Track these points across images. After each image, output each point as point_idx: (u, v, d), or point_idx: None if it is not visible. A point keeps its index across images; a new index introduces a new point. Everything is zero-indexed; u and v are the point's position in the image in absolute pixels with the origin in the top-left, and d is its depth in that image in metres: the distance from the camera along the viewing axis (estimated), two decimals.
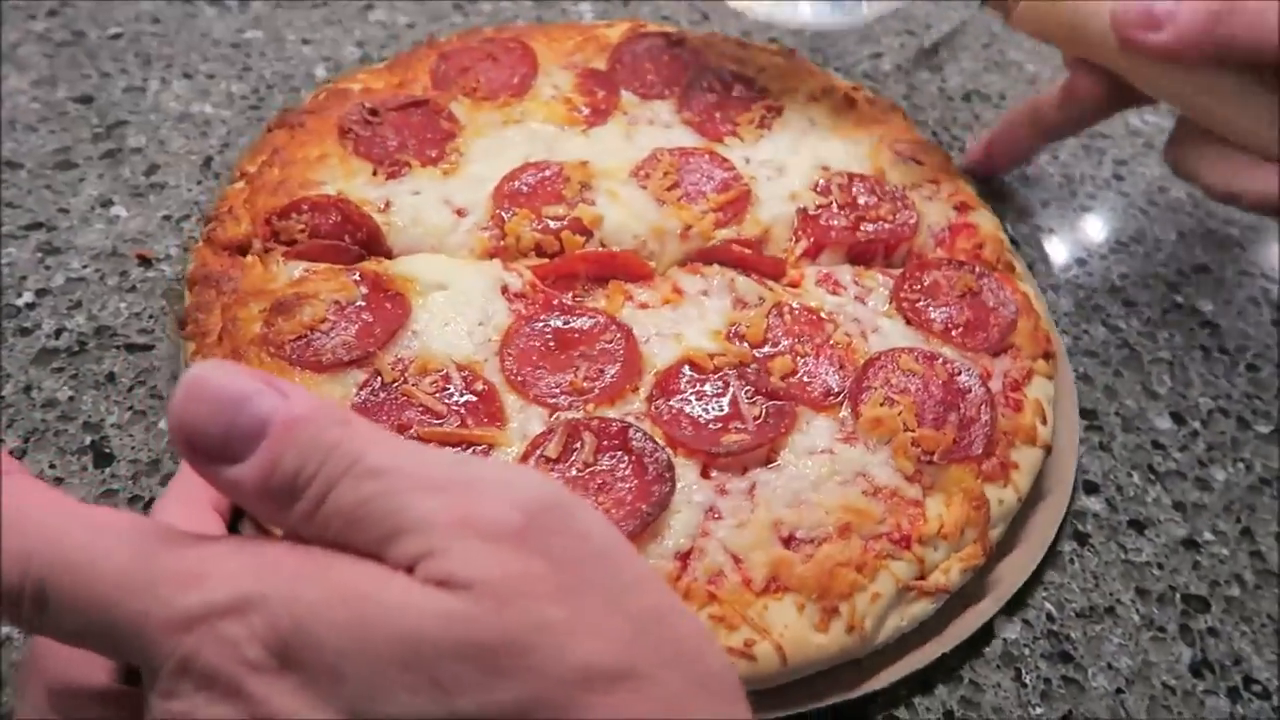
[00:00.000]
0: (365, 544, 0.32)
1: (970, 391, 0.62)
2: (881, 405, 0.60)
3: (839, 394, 0.61)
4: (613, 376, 0.60)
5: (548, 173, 0.70)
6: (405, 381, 0.58)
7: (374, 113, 0.72)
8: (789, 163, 0.75)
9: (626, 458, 0.55)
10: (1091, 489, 0.66)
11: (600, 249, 0.68)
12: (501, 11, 0.96)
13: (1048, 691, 0.55)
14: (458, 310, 0.62)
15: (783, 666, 0.51)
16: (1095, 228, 0.85)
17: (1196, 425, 0.70)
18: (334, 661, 0.31)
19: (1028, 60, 1.01)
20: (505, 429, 0.57)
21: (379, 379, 0.58)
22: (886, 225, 0.72)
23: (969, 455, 0.59)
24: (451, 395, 0.58)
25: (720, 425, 0.59)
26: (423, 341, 0.60)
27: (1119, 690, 0.55)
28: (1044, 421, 0.63)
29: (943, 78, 0.98)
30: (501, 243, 0.67)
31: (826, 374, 0.62)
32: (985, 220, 0.76)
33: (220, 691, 0.31)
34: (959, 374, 0.63)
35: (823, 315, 0.66)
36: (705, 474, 0.57)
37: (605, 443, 0.56)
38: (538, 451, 0.55)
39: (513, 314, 0.63)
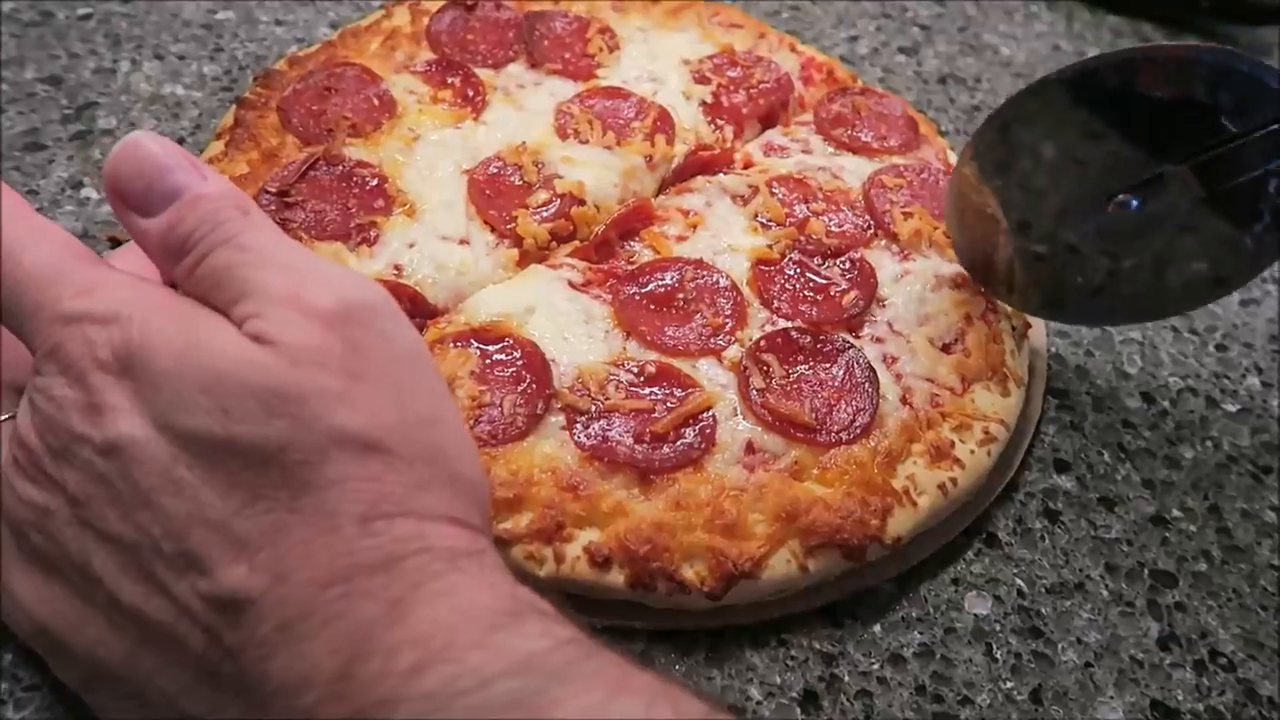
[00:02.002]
0: (219, 302, 0.41)
1: (939, 178, 0.74)
2: (904, 220, 0.70)
3: (869, 227, 0.70)
4: (731, 303, 0.63)
5: (493, 169, 0.69)
6: (599, 402, 0.57)
7: (284, 193, 0.65)
8: (656, 70, 0.80)
9: (810, 358, 0.62)
10: (1063, 467, 0.67)
11: (595, 209, 0.69)
12: None
13: (1018, 666, 0.56)
14: (561, 322, 0.61)
15: (1009, 432, 0.63)
16: None
17: (1166, 404, 0.71)
18: (158, 376, 0.38)
19: (1002, 43, 1.02)
20: (702, 389, 0.58)
21: (578, 414, 0.57)
22: (769, 85, 0.80)
23: None
24: (637, 388, 0.58)
25: (836, 294, 0.65)
26: (568, 360, 0.59)
27: (1088, 664, 0.57)
28: None
29: (918, 61, 0.98)
30: (523, 247, 0.66)
31: (845, 217, 0.71)
32: (813, 51, 0.87)
33: (72, 377, 0.39)
34: (922, 171, 0.74)
35: (797, 176, 0.73)
36: (857, 335, 0.64)
37: (788, 356, 0.61)
38: (752, 392, 0.58)
39: (600, 301, 0.63)
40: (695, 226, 0.69)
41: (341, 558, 0.37)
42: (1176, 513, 0.65)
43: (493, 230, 0.66)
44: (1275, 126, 0.54)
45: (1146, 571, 0.62)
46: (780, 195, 0.71)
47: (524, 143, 0.71)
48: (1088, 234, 0.61)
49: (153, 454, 0.38)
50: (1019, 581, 0.60)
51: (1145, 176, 0.58)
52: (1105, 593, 0.60)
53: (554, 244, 0.67)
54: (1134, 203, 0.59)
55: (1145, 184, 0.59)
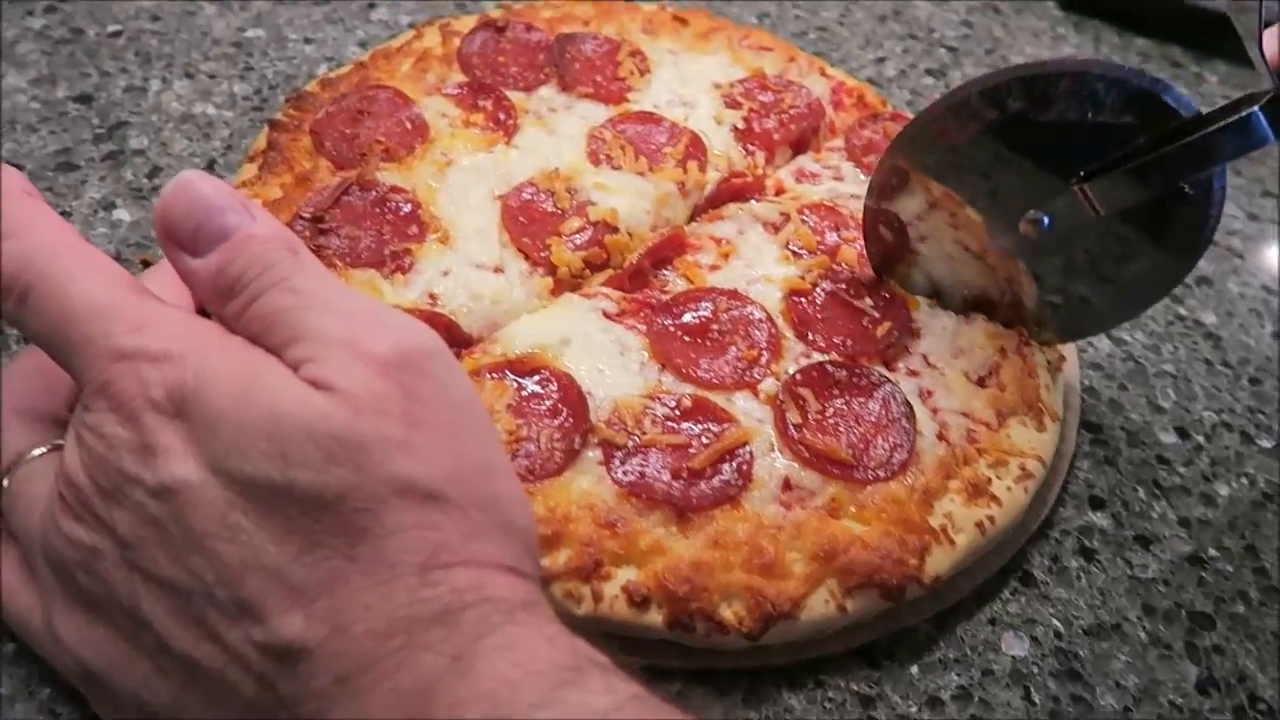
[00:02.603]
0: (272, 344, 0.40)
1: None
2: None
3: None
4: (766, 335, 0.63)
5: (526, 195, 0.69)
6: (635, 436, 0.56)
7: (318, 219, 0.64)
8: (687, 94, 0.79)
9: (846, 392, 0.61)
10: (1098, 504, 0.66)
11: (628, 237, 0.68)
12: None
13: (1056, 710, 0.55)
14: (596, 355, 0.60)
15: (1046, 469, 0.62)
16: None
17: (1200, 439, 0.71)
18: (214, 418, 0.38)
19: None
20: (738, 424, 0.58)
21: (615, 449, 0.56)
22: (800, 110, 0.79)
23: None
24: (674, 422, 0.58)
25: (869, 324, 0.65)
26: (604, 393, 0.58)
27: (1126, 709, 0.56)
28: None
29: (946, 83, 0.98)
30: (556, 276, 0.66)
31: None
32: (843, 75, 0.86)
33: (123, 415, 0.39)
34: None
35: (828, 204, 0.72)
36: (892, 368, 0.63)
37: (824, 390, 0.60)
38: (789, 428, 0.58)
39: (635, 332, 0.62)
40: (728, 255, 0.68)
41: (401, 608, 0.37)
42: (1213, 552, 0.64)
43: (526, 258, 0.66)
44: (1168, 148, 0.54)
45: (1184, 613, 0.61)
46: (812, 223, 0.71)
47: (557, 169, 0.71)
48: (1009, 250, 0.62)
49: (207, 498, 0.37)
50: (1056, 622, 0.59)
51: (1051, 194, 0.58)
52: (1143, 634, 0.59)
53: (588, 272, 0.67)
54: (1045, 220, 0.60)
55: (1052, 201, 0.59)
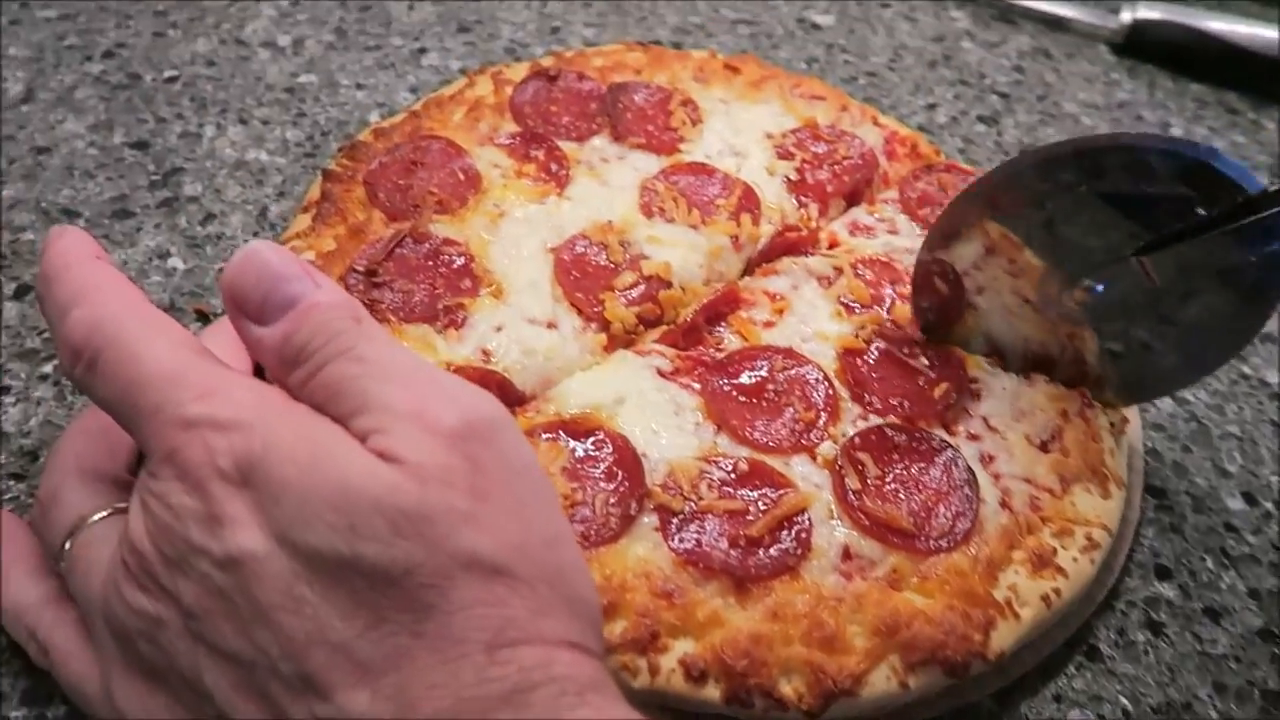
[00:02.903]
0: (338, 413, 0.40)
1: None
2: None
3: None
4: (824, 396, 0.62)
5: (579, 249, 0.68)
6: (691, 501, 0.55)
7: (372, 273, 0.64)
8: (739, 144, 0.78)
9: (905, 457, 0.59)
10: (1164, 574, 0.64)
11: (681, 291, 0.68)
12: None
13: None
14: (651, 415, 0.59)
15: (1112, 538, 0.60)
16: None
17: (1269, 506, 0.68)
18: (281, 489, 0.37)
19: (1083, 113, 0.99)
20: (797, 489, 0.57)
21: (671, 514, 0.55)
22: (855, 161, 0.78)
23: None
24: (730, 487, 0.56)
25: (925, 384, 0.63)
26: (659, 455, 0.57)
27: None
28: None
29: (999, 131, 0.97)
30: (610, 331, 0.65)
31: None
32: (896, 124, 0.85)
33: (190, 484, 0.38)
34: None
35: (883, 259, 0.71)
36: (951, 431, 0.61)
37: (883, 455, 0.59)
38: (848, 494, 0.57)
39: (689, 391, 0.61)
40: (781, 311, 0.67)
41: (468, 688, 0.36)
42: None
43: (580, 313, 0.65)
44: (1231, 225, 0.53)
45: (1257, 693, 0.58)
46: (867, 277, 0.69)
47: (610, 221, 0.70)
48: (1064, 314, 0.61)
49: (273, 570, 0.37)
50: (1123, 700, 0.57)
51: (1105, 264, 0.57)
52: (1214, 715, 0.57)
53: (641, 328, 0.66)
54: (1098, 288, 0.59)
55: (1106, 270, 0.58)
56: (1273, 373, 0.77)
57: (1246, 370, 0.77)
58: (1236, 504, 0.68)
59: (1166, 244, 0.55)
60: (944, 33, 1.07)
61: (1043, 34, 1.09)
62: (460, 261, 0.66)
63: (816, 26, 1.05)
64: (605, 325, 0.65)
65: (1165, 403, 0.74)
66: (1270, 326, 0.81)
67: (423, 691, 0.36)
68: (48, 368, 0.65)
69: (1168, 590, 0.63)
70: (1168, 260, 0.56)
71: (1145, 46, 1.06)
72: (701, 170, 0.75)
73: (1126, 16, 1.06)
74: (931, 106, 0.98)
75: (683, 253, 0.69)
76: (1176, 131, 0.99)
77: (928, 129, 0.95)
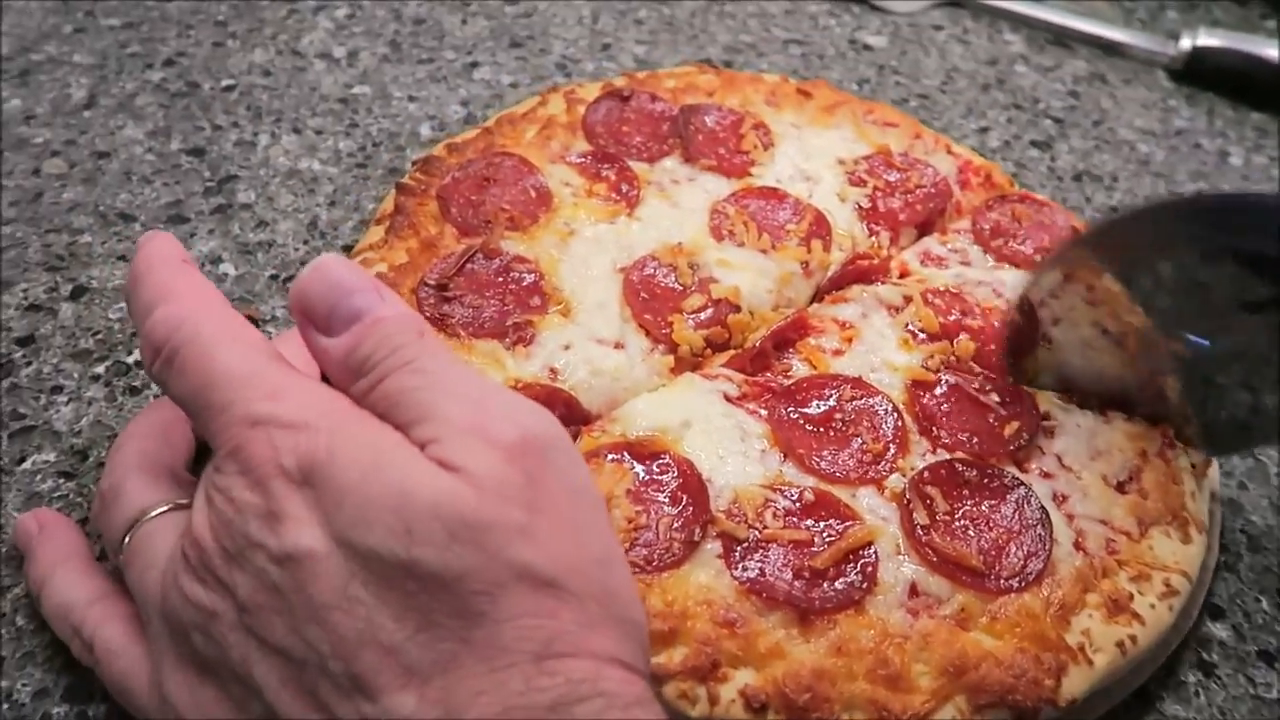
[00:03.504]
0: (398, 422, 0.41)
1: None
2: None
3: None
4: (893, 428, 0.61)
5: (648, 270, 0.68)
6: (755, 530, 0.55)
7: (443, 287, 0.64)
8: (810, 169, 0.77)
9: (976, 494, 0.58)
10: (1217, 614, 0.62)
11: (750, 316, 0.67)
12: (604, 71, 0.96)
13: None
14: (717, 440, 0.59)
15: (1192, 585, 0.58)
16: None
17: None
18: (342, 490, 0.38)
19: (1140, 140, 0.98)
20: (863, 522, 0.56)
21: (735, 542, 0.54)
22: (928, 190, 0.77)
23: None
24: (795, 516, 0.56)
25: (994, 423, 0.62)
26: (724, 481, 0.57)
27: None
28: None
29: (1052, 156, 0.96)
30: (677, 354, 0.65)
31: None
32: (969, 153, 0.83)
33: (252, 480, 0.39)
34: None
35: (954, 290, 0.70)
36: (1024, 468, 0.60)
37: (953, 490, 0.58)
38: (916, 529, 0.56)
39: (756, 418, 0.61)
40: (850, 340, 0.66)
41: (515, 697, 0.36)
42: None
43: (647, 334, 0.65)
44: None
45: None
46: (938, 306, 0.68)
47: (679, 243, 0.70)
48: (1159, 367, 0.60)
49: (329, 569, 0.37)
50: None
51: (1215, 319, 0.56)
52: None
53: (708, 351, 0.65)
54: (1205, 343, 0.57)
55: (1215, 325, 0.57)
56: None
57: None
58: None
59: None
60: (997, 56, 1.06)
61: (1099, 59, 1.07)
62: (530, 279, 0.66)
63: (868, 47, 1.05)
64: (673, 347, 0.65)
65: None
66: None
67: (469, 698, 0.36)
68: (100, 369, 0.66)
69: (1220, 631, 0.61)
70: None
71: (1205, 74, 1.04)
72: (772, 195, 0.75)
73: (1186, 43, 1.04)
74: (984, 130, 0.97)
75: (752, 277, 0.69)
76: (1235, 161, 0.98)
77: (980, 151, 0.94)
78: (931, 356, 0.65)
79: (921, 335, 0.67)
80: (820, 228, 0.73)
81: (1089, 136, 0.98)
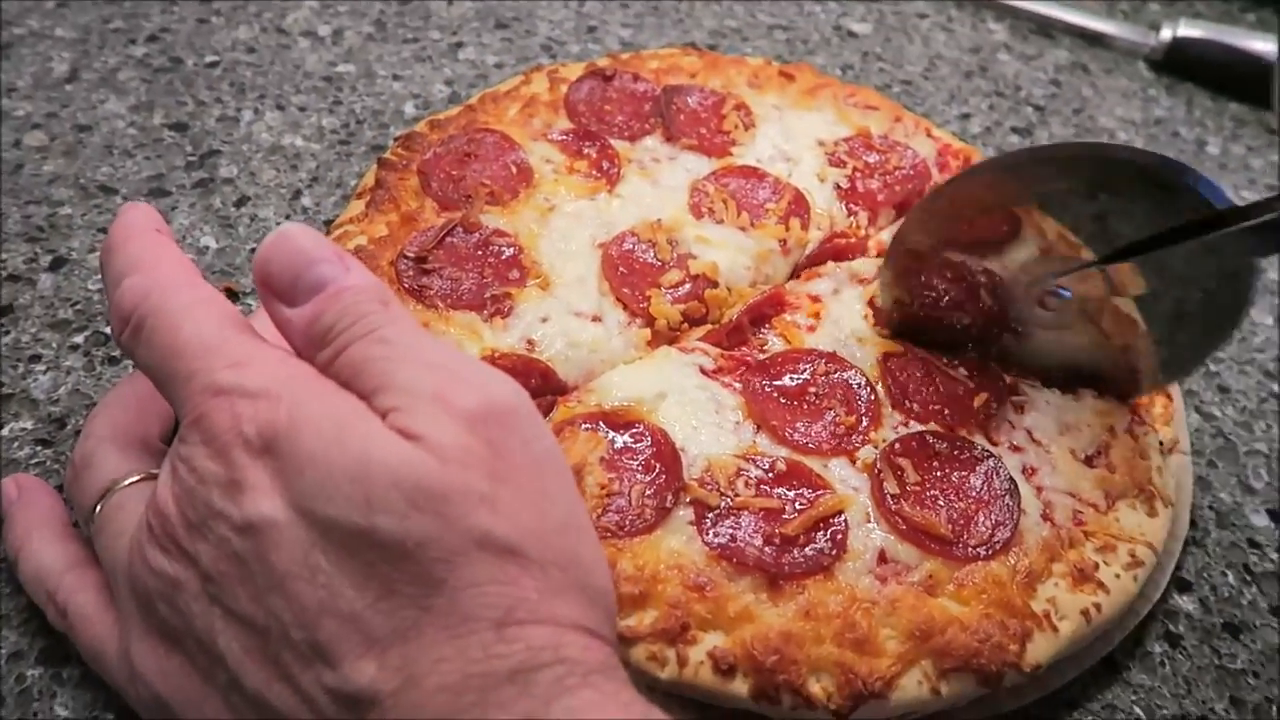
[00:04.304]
0: (360, 391, 0.41)
1: None
2: None
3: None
4: (867, 401, 0.62)
5: (627, 245, 0.69)
6: (728, 497, 0.56)
7: (422, 259, 0.65)
8: (790, 150, 0.78)
9: (946, 465, 0.60)
10: (1184, 587, 0.63)
11: (728, 292, 0.68)
12: (590, 53, 0.97)
13: None
14: (691, 411, 0.60)
15: (1157, 557, 0.59)
16: None
17: None
18: (303, 459, 0.38)
19: (1119, 128, 0.99)
20: (834, 491, 0.57)
21: (707, 509, 0.55)
22: (907, 172, 0.78)
23: None
24: (767, 485, 0.57)
25: (964, 394, 0.63)
26: (697, 450, 0.58)
27: None
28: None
29: (1032, 142, 0.97)
30: (654, 327, 0.66)
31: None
32: (949, 137, 0.84)
33: (214, 449, 0.39)
34: None
35: None
36: (994, 441, 0.61)
37: (924, 461, 0.59)
38: (886, 498, 0.57)
39: (730, 390, 0.62)
40: (818, 314, 0.67)
41: (475, 664, 0.37)
42: None
43: (625, 308, 0.66)
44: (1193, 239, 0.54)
45: (1275, 708, 0.57)
46: None
47: (659, 220, 0.70)
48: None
49: (289, 537, 0.38)
50: (1138, 710, 0.57)
51: (1075, 269, 0.59)
52: None
53: (685, 326, 0.66)
54: (1065, 293, 0.60)
55: (1073, 276, 0.59)
56: None
57: (1275, 388, 0.78)
58: (1261, 520, 0.68)
59: (1132, 253, 0.56)
60: (980, 44, 1.08)
61: (1081, 49, 1.08)
62: (509, 252, 0.67)
63: (853, 34, 1.06)
64: (650, 321, 0.66)
65: (1192, 416, 0.74)
66: None
67: (429, 665, 0.37)
68: (78, 338, 0.66)
69: (1187, 604, 0.63)
70: (1130, 274, 0.57)
71: (1185, 64, 1.05)
72: (752, 174, 0.76)
73: (1167, 34, 1.05)
74: (965, 116, 0.98)
75: (730, 254, 0.70)
76: (1213, 150, 0.99)
77: (961, 137, 0.95)
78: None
79: None
80: (799, 207, 0.73)
81: (1069, 124, 0.99)
